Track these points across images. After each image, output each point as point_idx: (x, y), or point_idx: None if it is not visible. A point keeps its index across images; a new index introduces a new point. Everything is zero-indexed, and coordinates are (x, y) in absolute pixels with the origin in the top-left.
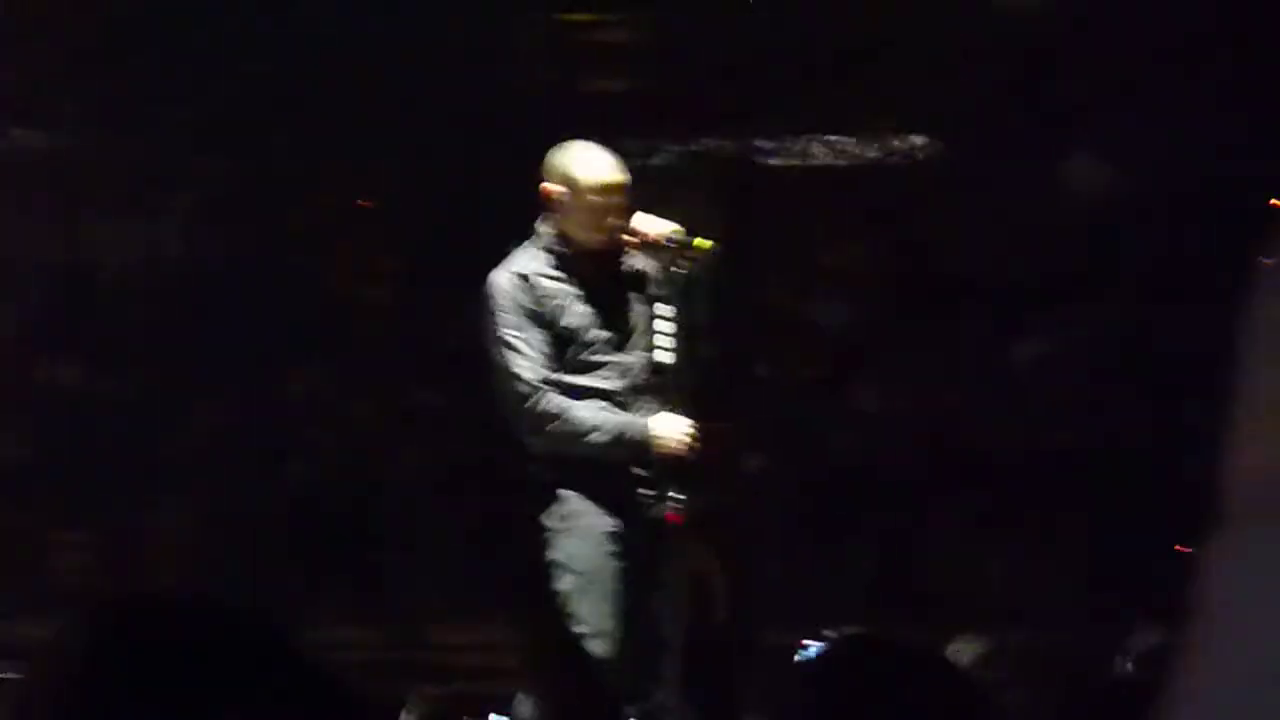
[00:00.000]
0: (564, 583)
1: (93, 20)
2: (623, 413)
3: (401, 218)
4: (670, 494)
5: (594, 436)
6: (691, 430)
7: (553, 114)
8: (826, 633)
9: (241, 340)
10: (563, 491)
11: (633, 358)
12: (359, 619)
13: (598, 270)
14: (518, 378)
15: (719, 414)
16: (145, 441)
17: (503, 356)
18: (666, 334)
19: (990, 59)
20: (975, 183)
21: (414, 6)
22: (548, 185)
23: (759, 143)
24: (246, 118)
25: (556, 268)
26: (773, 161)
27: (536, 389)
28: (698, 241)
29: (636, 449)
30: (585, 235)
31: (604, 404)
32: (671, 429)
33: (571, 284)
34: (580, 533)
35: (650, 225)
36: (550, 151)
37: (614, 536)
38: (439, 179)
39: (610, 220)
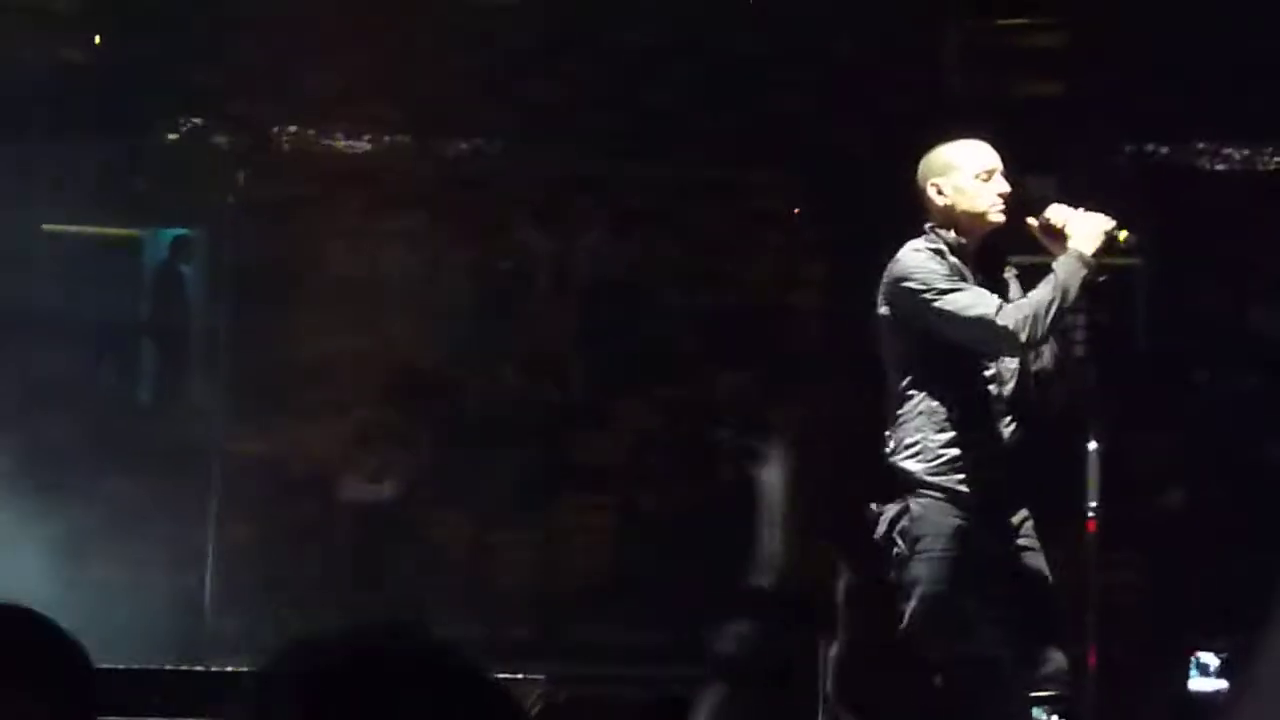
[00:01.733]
0: None
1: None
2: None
3: (821, 224)
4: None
5: (1057, 303)
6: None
7: (979, 118)
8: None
9: (665, 344)
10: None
11: (1012, 364)
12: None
13: (990, 272)
14: (977, 318)
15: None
16: (566, 443)
17: (949, 308)
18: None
19: None
20: None
21: (838, 12)
22: (924, 188)
23: (1196, 146)
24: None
25: (950, 267)
26: (1212, 166)
27: (996, 312)
28: (1122, 234)
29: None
30: (972, 224)
31: (974, 421)
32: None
33: (964, 279)
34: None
35: (1069, 215)
36: (923, 157)
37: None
38: (860, 185)
39: (994, 202)
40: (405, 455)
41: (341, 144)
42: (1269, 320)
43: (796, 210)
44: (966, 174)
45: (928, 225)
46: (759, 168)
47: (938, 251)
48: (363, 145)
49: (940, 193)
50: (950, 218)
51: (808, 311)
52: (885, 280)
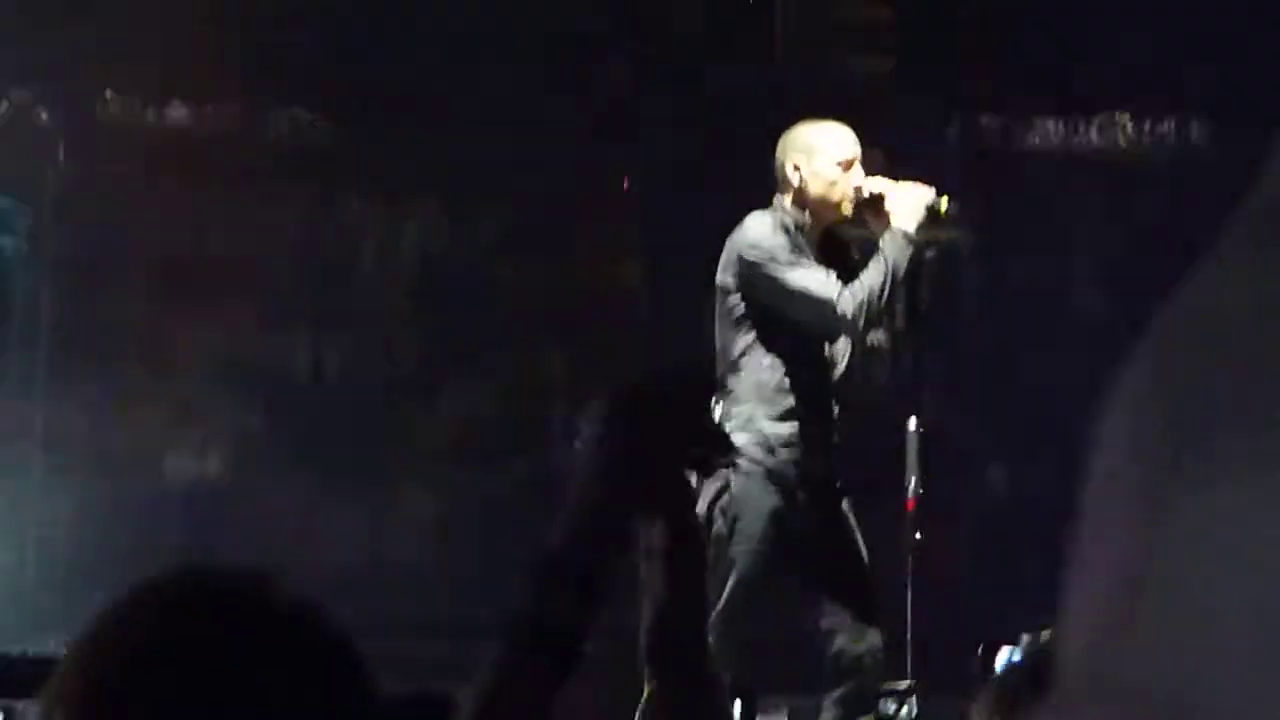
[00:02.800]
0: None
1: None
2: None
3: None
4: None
5: (888, 284)
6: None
7: (804, 94)
8: None
9: (497, 321)
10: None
11: (843, 343)
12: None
13: (829, 251)
14: (817, 300)
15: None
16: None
17: (791, 284)
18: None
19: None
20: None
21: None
22: (784, 163)
23: (1016, 124)
24: (501, 99)
25: (793, 243)
26: (1032, 143)
27: (837, 297)
28: (943, 203)
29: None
30: (822, 209)
31: (805, 399)
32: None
33: (806, 258)
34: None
35: (888, 187)
36: (786, 132)
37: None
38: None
39: (846, 194)
40: (231, 432)
41: (169, 117)
42: (1093, 300)
43: (626, 184)
44: (827, 159)
45: (776, 198)
46: (590, 141)
47: (784, 226)
48: (189, 119)
49: (797, 169)
50: (802, 198)
51: (636, 287)
52: (728, 248)
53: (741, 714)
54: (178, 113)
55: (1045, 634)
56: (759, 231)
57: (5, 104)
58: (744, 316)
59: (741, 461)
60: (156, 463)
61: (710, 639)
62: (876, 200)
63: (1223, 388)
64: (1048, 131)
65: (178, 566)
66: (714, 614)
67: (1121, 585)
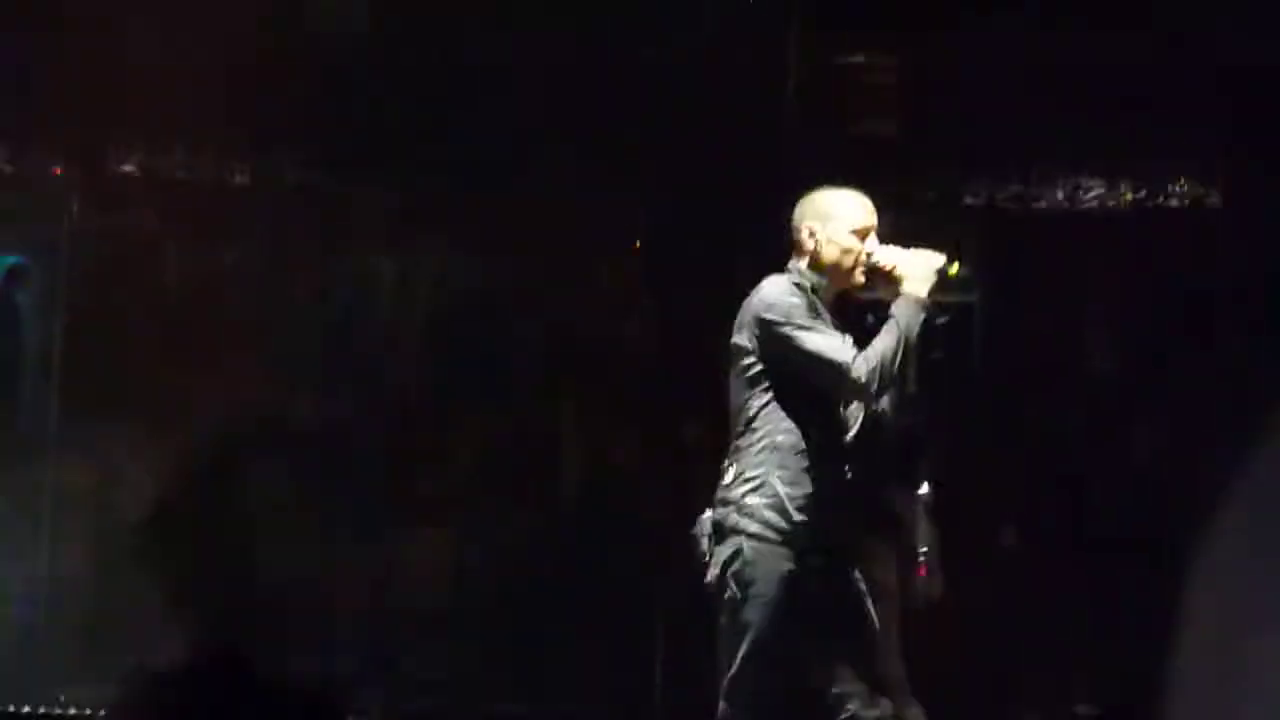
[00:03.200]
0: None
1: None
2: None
3: (661, 257)
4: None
5: (901, 349)
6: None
7: (818, 156)
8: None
9: (496, 373)
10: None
11: (857, 408)
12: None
13: (843, 315)
14: (832, 363)
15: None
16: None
17: (807, 346)
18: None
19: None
20: (1250, 232)
21: (680, 45)
22: (800, 227)
23: (1026, 187)
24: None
25: (809, 305)
26: (1040, 205)
27: (852, 361)
28: (953, 268)
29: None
30: (835, 276)
31: (820, 461)
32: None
33: (822, 320)
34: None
35: (899, 256)
36: (805, 196)
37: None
38: (701, 219)
39: (860, 261)
40: (245, 485)
41: (179, 173)
42: (1102, 358)
43: (638, 243)
44: (843, 227)
45: (792, 261)
46: (601, 200)
47: (800, 287)
48: (200, 173)
49: (813, 236)
50: (816, 263)
51: (648, 343)
52: (744, 308)
53: None
54: (188, 166)
55: (1081, 709)
56: (776, 292)
57: (19, 155)
58: (759, 376)
59: (755, 526)
60: (161, 512)
61: (723, 706)
62: (888, 268)
63: None
64: (1056, 193)
65: (205, 647)
66: (727, 679)
67: (1225, 679)
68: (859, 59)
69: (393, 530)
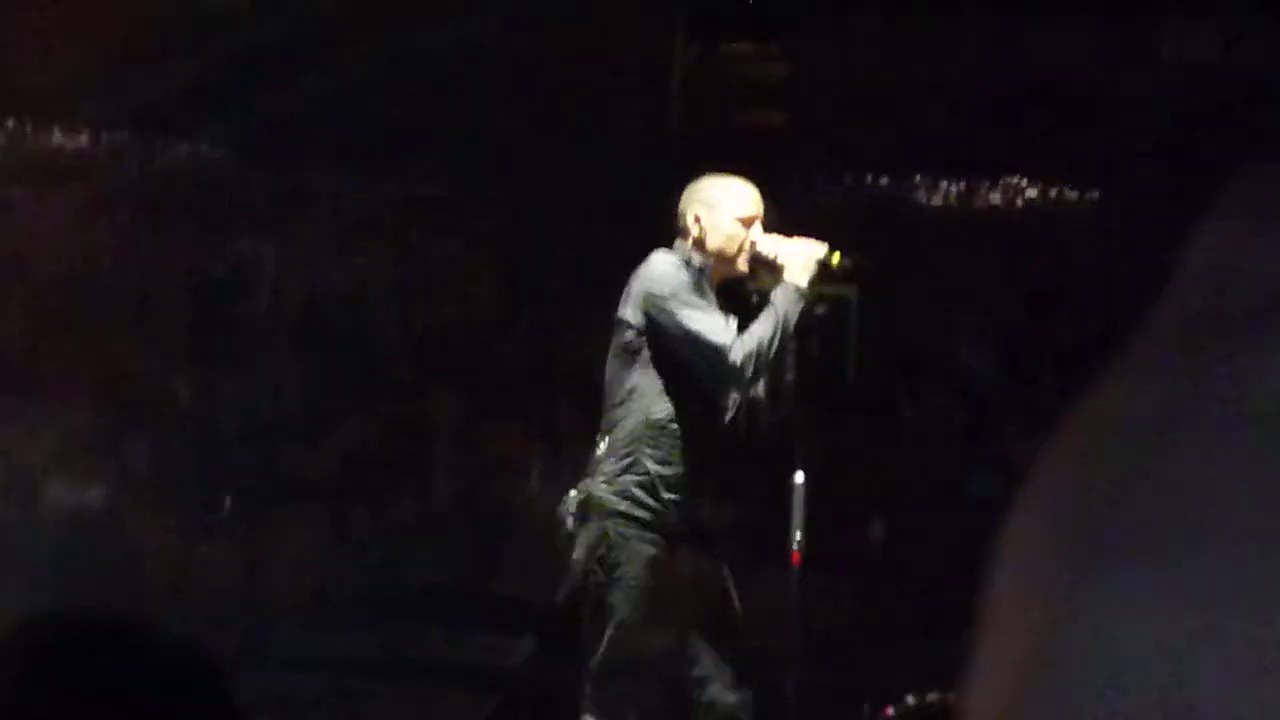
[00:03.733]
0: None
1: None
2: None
3: (540, 247)
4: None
5: (778, 337)
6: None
7: (703, 148)
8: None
9: (382, 360)
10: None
11: (734, 393)
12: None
13: (728, 298)
14: (711, 345)
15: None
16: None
17: (688, 325)
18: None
19: (1156, 113)
20: (1121, 236)
21: (567, 34)
22: (686, 212)
23: (909, 182)
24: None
25: (695, 283)
26: (922, 202)
27: (730, 342)
28: (834, 258)
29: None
30: (718, 262)
31: (692, 442)
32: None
33: (707, 300)
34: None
35: (780, 245)
36: (692, 182)
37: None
38: (580, 208)
39: (744, 249)
40: (113, 461)
41: (57, 141)
42: (975, 355)
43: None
44: (727, 214)
45: (677, 243)
46: (478, 188)
47: (688, 263)
48: (79, 143)
49: (698, 222)
50: (701, 249)
51: (520, 331)
52: (632, 283)
53: None
54: (71, 138)
55: (931, 696)
56: (664, 268)
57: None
58: (639, 352)
59: (623, 505)
60: (35, 491)
61: (588, 688)
62: (770, 256)
63: (1116, 489)
64: (941, 191)
65: (49, 608)
66: (593, 662)
67: (1027, 669)
68: (745, 50)
69: (266, 516)
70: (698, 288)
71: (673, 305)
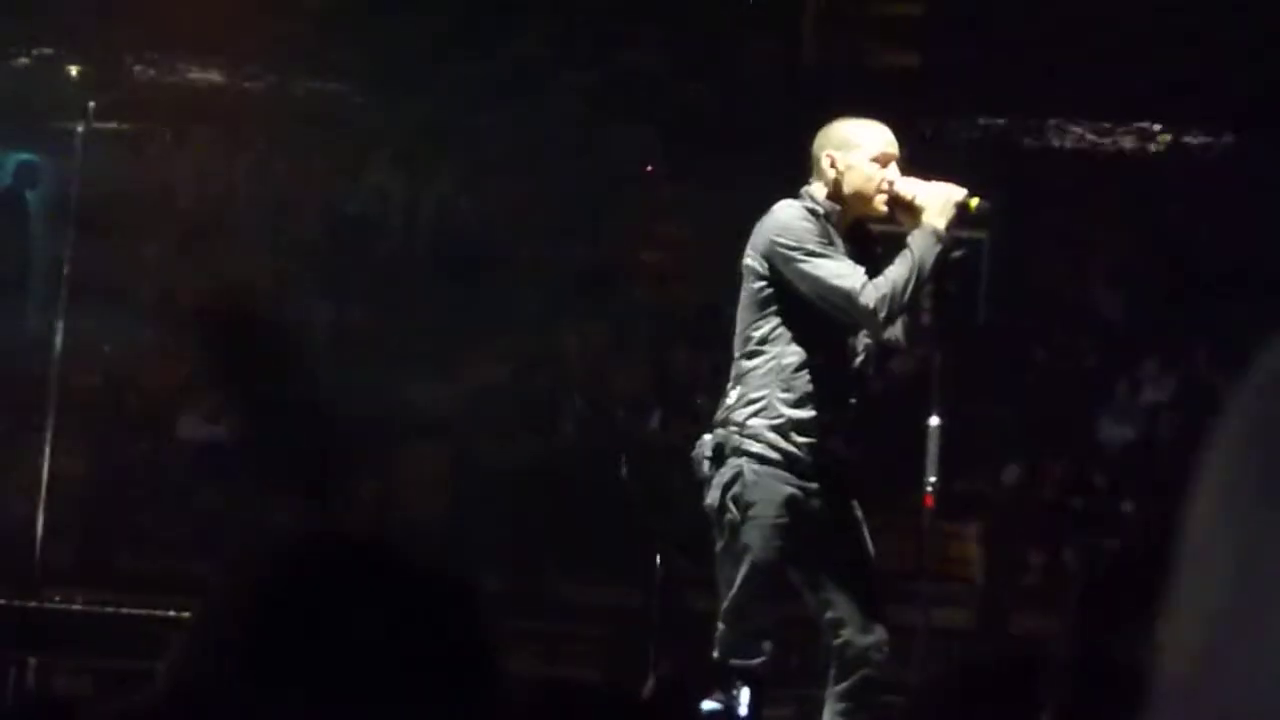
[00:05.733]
0: None
1: None
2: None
3: (678, 183)
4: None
5: (914, 280)
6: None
7: (836, 87)
8: None
9: (514, 298)
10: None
11: (863, 336)
12: (622, 581)
13: (856, 243)
14: (842, 291)
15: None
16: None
17: (817, 273)
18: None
19: None
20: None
21: None
22: (820, 154)
23: (1041, 123)
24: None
25: (822, 231)
26: (1055, 143)
27: (861, 288)
28: (973, 202)
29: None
30: (854, 203)
31: (824, 387)
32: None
33: (834, 247)
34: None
35: (919, 188)
36: (828, 124)
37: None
38: (716, 150)
39: (881, 190)
40: (245, 394)
41: (197, 78)
42: (1107, 298)
43: (650, 168)
44: (864, 155)
45: (805, 188)
46: (614, 124)
47: (813, 212)
48: (218, 80)
49: (834, 165)
50: (836, 192)
51: (659, 270)
52: (757, 232)
53: (750, 703)
54: (207, 74)
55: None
56: (789, 217)
57: (29, 58)
58: (768, 301)
59: (756, 447)
60: (171, 419)
61: (721, 628)
62: (908, 198)
63: None
64: (1078, 134)
65: (302, 534)
66: (726, 601)
67: (1216, 620)
68: None
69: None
70: (824, 235)
71: (799, 254)
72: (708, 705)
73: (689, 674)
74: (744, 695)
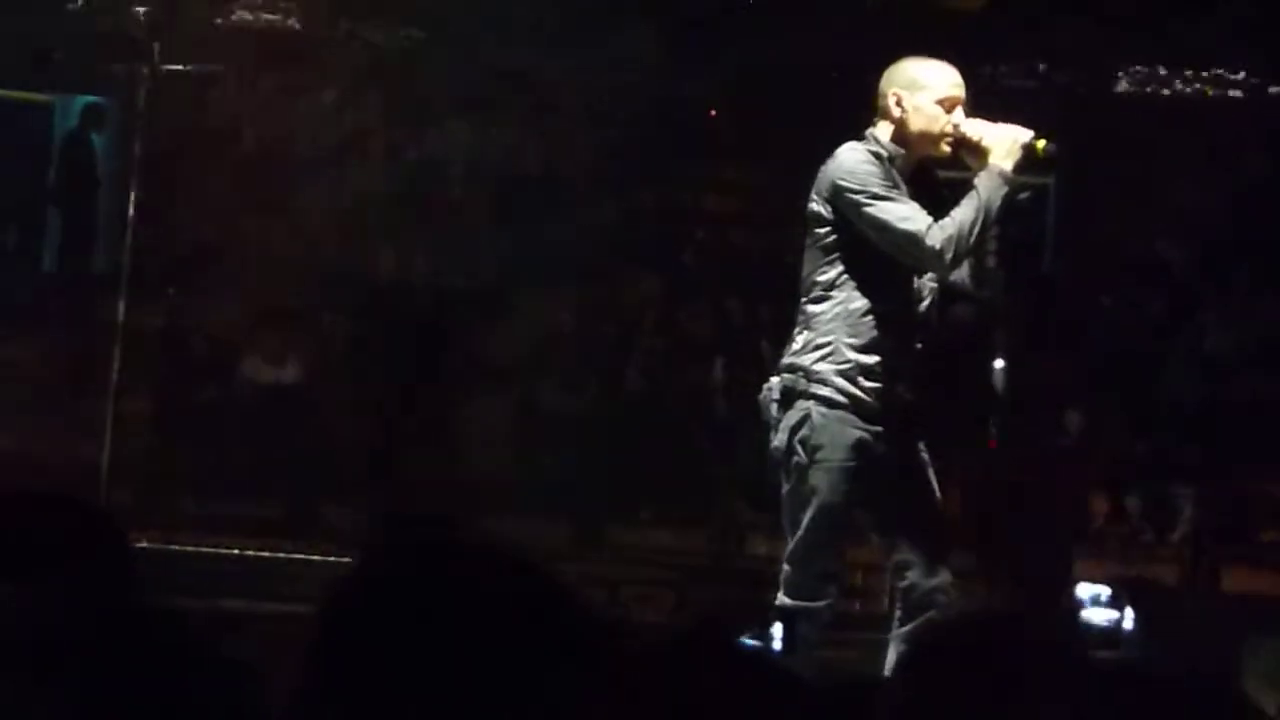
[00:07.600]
0: None
1: None
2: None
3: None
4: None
5: (980, 222)
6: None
7: (904, 28)
8: None
9: (579, 243)
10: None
11: (931, 279)
12: (682, 524)
13: (920, 186)
14: (907, 233)
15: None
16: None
17: (882, 215)
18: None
19: None
20: None
21: None
22: (886, 94)
23: (1110, 71)
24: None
25: (886, 174)
26: (1121, 90)
27: (927, 230)
28: (1040, 144)
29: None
30: (919, 144)
31: (891, 331)
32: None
33: (899, 190)
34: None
35: (985, 129)
36: (894, 64)
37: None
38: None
39: (946, 131)
40: (310, 338)
41: (262, 20)
42: (1173, 245)
43: (714, 112)
44: (930, 96)
45: (870, 130)
46: (676, 70)
47: (877, 156)
48: (284, 23)
49: (899, 105)
50: (901, 132)
51: (723, 215)
52: (820, 176)
53: (786, 640)
54: (272, 18)
55: None
56: (853, 161)
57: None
58: (833, 245)
59: (824, 391)
60: (235, 366)
61: (786, 570)
62: (974, 140)
63: None
64: (1141, 79)
65: (416, 538)
66: (792, 544)
67: None
68: None
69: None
70: (888, 178)
71: (863, 198)
72: (746, 641)
73: (734, 613)
74: (782, 632)
